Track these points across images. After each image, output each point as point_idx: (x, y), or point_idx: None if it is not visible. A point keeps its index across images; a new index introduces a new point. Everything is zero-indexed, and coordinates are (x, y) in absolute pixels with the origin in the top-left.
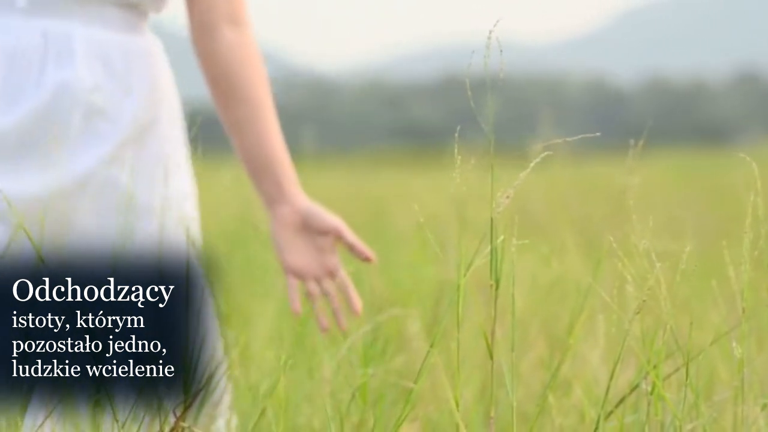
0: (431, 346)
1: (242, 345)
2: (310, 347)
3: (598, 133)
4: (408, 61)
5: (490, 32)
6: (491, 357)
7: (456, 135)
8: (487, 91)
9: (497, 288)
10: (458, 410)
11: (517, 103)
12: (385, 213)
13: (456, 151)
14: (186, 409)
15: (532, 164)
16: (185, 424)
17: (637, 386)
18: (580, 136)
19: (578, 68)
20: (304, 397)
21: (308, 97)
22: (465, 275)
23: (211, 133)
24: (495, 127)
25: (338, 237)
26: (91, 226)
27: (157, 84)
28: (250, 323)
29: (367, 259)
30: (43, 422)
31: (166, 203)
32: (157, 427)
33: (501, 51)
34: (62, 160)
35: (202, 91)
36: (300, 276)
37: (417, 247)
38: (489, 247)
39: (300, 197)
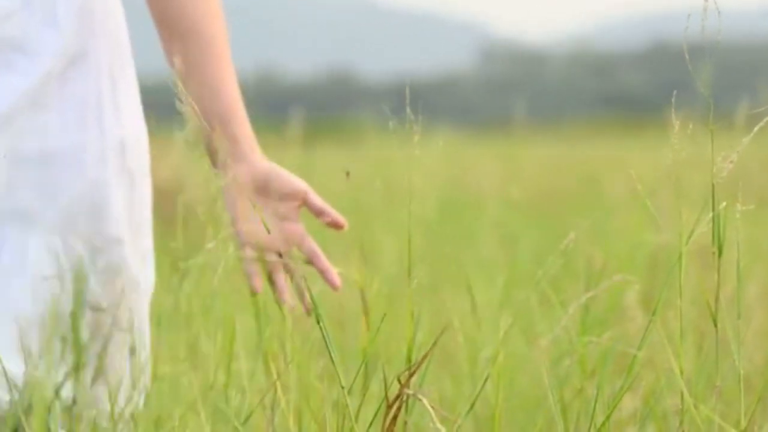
0: (653, 314)
1: (463, 312)
2: (528, 315)
3: None
4: (615, 28)
5: None
6: (715, 325)
7: (673, 101)
8: (700, 57)
9: (720, 255)
10: (682, 379)
11: (729, 69)
12: (598, 181)
13: (673, 116)
14: (411, 376)
15: (756, 128)
16: (410, 391)
17: None
18: None
19: None
20: (523, 366)
21: (514, 67)
22: (687, 243)
23: (420, 100)
24: (710, 92)
25: (303, 202)
26: (8, 178)
27: (87, 8)
28: (463, 289)
29: (338, 226)
30: (270, 390)
31: (101, 151)
32: (382, 394)
33: (719, 14)
34: None
35: (410, 61)
36: (259, 248)
37: (632, 214)
38: (710, 214)
39: (258, 156)
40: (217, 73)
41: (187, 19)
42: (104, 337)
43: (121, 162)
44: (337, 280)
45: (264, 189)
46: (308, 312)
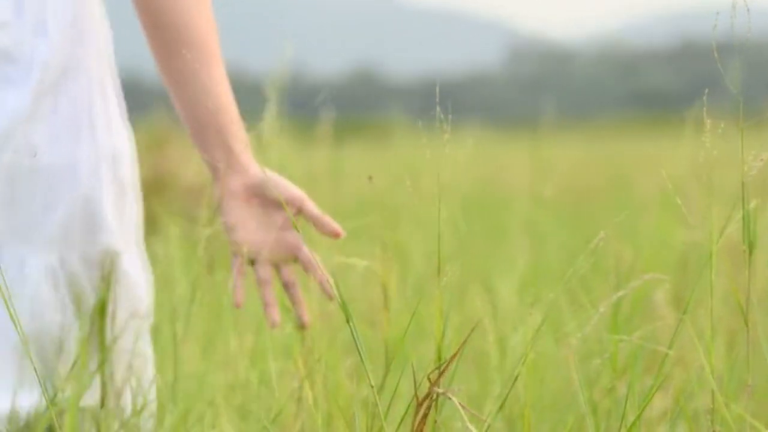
0: (684, 312)
1: (492, 311)
2: (558, 313)
3: None
4: (643, 26)
5: None
6: (746, 323)
7: (704, 98)
8: (729, 55)
9: (751, 253)
10: (713, 378)
11: (758, 67)
12: (627, 179)
13: (705, 114)
14: (440, 374)
15: None
16: (439, 390)
17: None
18: None
19: None
20: (552, 365)
21: (542, 65)
22: (717, 241)
23: (448, 99)
24: (740, 90)
25: (299, 210)
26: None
27: (78, 19)
28: (492, 288)
29: (334, 235)
30: (300, 386)
31: (95, 164)
32: (412, 392)
33: (748, 11)
34: None
35: (436, 60)
36: (254, 258)
37: (662, 212)
38: (740, 212)
39: (253, 164)
40: (208, 80)
41: (178, 26)
42: (108, 345)
43: (112, 173)
44: (333, 291)
45: (260, 197)
46: (302, 325)
